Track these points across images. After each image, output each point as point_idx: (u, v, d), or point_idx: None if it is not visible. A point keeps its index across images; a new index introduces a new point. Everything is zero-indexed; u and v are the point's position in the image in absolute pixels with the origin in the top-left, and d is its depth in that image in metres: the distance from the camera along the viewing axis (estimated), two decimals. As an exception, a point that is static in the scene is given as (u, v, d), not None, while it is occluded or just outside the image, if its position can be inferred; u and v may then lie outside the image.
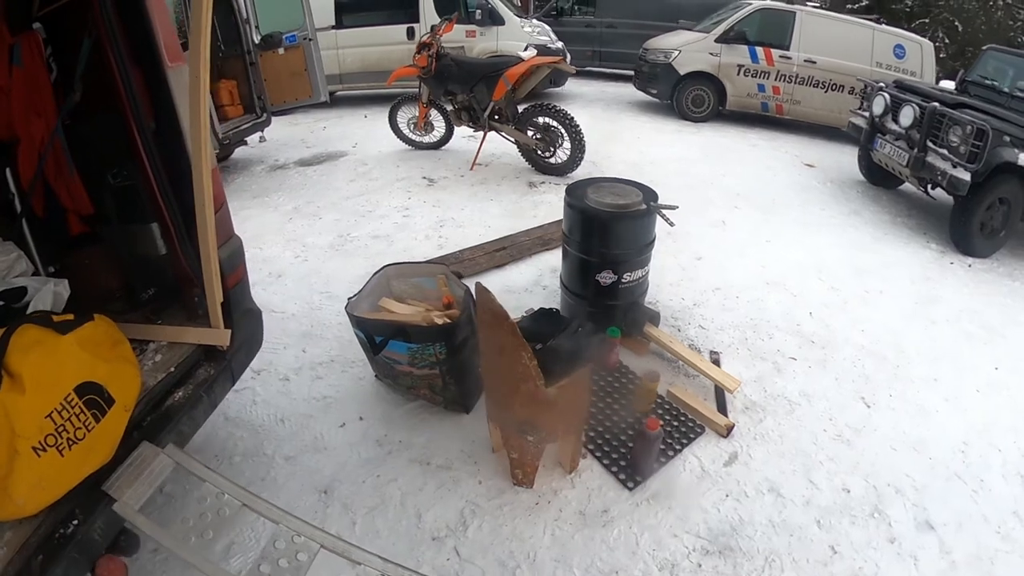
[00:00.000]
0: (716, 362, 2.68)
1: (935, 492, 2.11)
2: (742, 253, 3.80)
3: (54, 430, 1.30)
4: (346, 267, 3.38)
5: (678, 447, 2.21)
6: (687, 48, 6.87)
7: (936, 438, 2.36)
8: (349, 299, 2.22)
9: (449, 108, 5.04)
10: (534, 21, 7.92)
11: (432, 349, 2.00)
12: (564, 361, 1.75)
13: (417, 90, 5.05)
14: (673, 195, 4.54)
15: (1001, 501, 2.09)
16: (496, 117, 4.82)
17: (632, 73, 7.71)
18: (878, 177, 5.09)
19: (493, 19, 7.21)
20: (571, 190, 2.59)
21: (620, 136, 6.26)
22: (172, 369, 1.66)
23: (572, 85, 8.68)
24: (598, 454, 2.14)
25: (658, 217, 2.57)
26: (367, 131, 6.17)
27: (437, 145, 5.57)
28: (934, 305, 3.35)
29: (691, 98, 6.94)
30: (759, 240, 4.01)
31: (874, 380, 2.68)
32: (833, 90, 6.50)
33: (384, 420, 2.22)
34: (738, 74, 6.73)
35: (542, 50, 7.04)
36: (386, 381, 2.34)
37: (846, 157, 5.68)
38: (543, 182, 4.81)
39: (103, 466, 1.40)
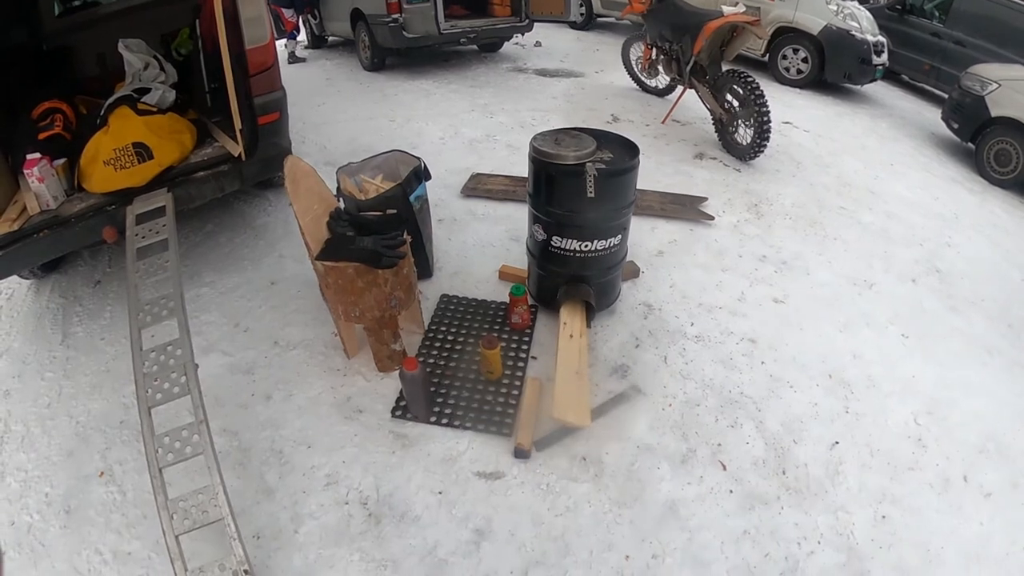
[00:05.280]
0: (621, 397, 2.18)
1: None
2: (848, 328, 2.70)
3: (115, 158, 2.48)
4: (457, 158, 3.95)
5: (468, 425, 2.04)
6: (1009, 84, 4.82)
7: None
8: (350, 163, 2.75)
9: (662, 55, 4.77)
10: (851, 3, 6.20)
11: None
12: (357, 256, 1.99)
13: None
14: (840, 230, 3.57)
15: None
16: (706, 76, 4.39)
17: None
18: None
19: None
20: (539, 135, 2.36)
21: (874, 156, 4.86)
22: (205, 157, 2.70)
23: (888, 94, 6.94)
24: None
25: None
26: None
27: (662, 92, 5.35)
28: None
29: (996, 151, 4.89)
30: (892, 330, 2.73)
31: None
32: None
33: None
34: None
35: (840, 35, 5.91)
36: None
37: None
38: (714, 158, 4.28)
39: (136, 187, 2.52)
